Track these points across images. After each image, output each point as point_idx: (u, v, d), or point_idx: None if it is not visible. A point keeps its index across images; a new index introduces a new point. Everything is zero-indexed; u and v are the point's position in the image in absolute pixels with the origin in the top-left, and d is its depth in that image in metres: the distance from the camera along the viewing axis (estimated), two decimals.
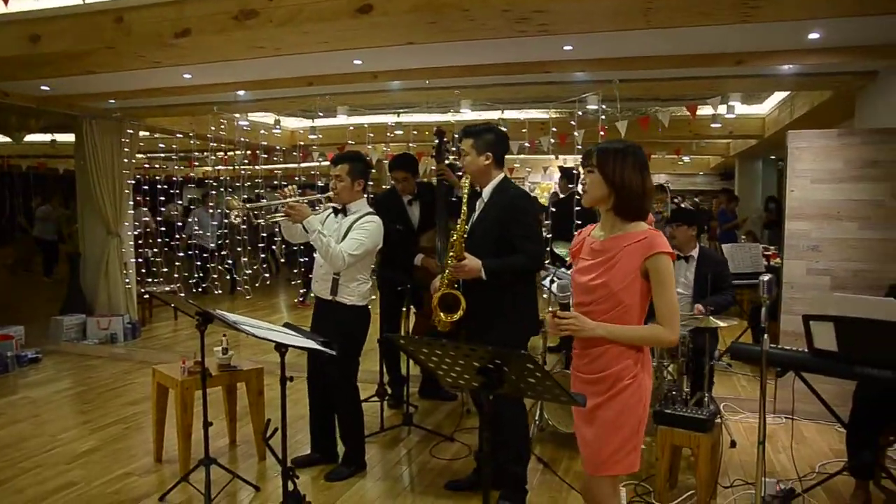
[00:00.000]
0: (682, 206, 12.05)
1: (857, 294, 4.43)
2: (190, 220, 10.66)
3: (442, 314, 3.55)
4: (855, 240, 5.07)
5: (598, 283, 2.41)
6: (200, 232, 10.28)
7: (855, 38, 4.85)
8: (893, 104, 5.49)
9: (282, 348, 3.12)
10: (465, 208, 3.49)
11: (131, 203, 8.07)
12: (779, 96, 8.60)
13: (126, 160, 7.86)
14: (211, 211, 10.33)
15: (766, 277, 3.11)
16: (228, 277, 10.88)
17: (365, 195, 4.09)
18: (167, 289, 8.61)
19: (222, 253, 9.51)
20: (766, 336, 3.19)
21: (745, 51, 5.16)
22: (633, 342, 2.39)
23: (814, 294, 5.08)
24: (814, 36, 4.70)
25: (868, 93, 6.07)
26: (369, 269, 4.03)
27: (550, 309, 2.50)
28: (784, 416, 5.10)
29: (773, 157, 13.70)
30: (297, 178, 9.66)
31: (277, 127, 8.52)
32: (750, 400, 5.48)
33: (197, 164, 11.15)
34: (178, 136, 8.55)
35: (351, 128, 8.45)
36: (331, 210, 4.06)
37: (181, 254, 8.69)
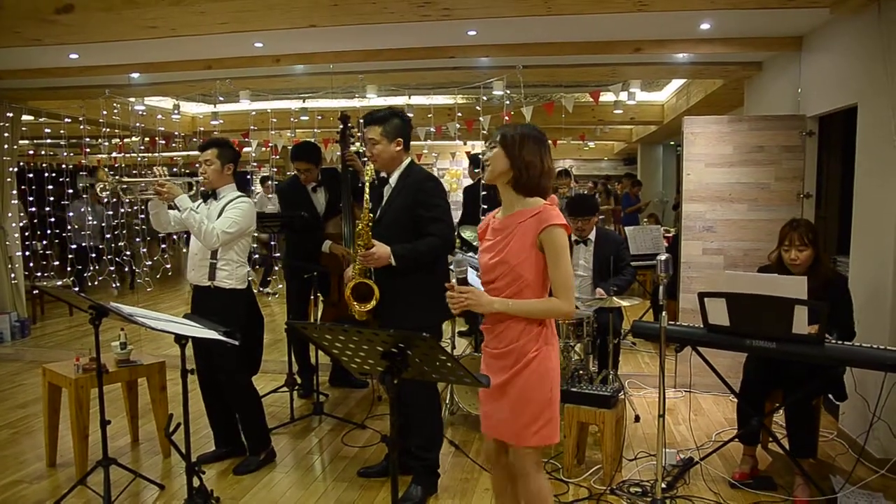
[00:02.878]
0: (583, 192, 12.34)
1: (746, 272, 4.69)
2: (70, 213, 10.05)
3: (356, 304, 3.54)
4: (744, 220, 5.38)
5: (498, 261, 2.48)
6: (75, 227, 9.68)
7: (741, 30, 5.13)
8: (776, 93, 5.85)
9: (181, 340, 3.03)
10: (367, 196, 3.47)
11: (15, 192, 7.58)
12: (676, 84, 8.98)
13: (7, 146, 7.36)
14: (98, 200, 9.80)
15: (662, 257, 3.24)
16: (127, 270, 10.42)
17: (234, 180, 4.06)
18: (59, 283, 8.16)
19: (120, 244, 9.08)
20: (664, 314, 3.34)
21: (643, 39, 5.36)
22: (530, 315, 2.46)
23: (709, 273, 5.35)
24: (705, 26, 4.93)
25: (754, 82, 6.43)
26: (246, 252, 3.99)
27: (448, 283, 2.55)
28: (684, 390, 5.37)
29: (672, 142, 14.31)
30: (197, 165, 9.34)
31: (176, 112, 8.20)
32: (653, 376, 5.73)
33: (89, 150, 10.59)
34: (66, 120, 8.08)
35: (253, 113, 8.24)
36: (200, 200, 4.01)
37: (73, 245, 8.25)
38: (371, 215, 3.44)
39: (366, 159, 3.63)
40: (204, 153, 3.93)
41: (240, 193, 4.00)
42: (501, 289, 2.48)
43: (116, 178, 3.80)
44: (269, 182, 10.61)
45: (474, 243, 5.49)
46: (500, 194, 2.58)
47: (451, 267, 3.74)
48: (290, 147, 6.90)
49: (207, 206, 3.94)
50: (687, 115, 6.18)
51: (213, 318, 3.43)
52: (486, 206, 6.02)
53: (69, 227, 9.28)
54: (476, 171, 7.49)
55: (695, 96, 8.20)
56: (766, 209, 5.33)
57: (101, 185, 3.72)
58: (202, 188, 4.00)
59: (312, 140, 7.60)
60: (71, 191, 9.55)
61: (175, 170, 9.67)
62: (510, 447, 2.58)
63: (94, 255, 9.49)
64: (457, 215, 5.47)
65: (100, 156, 11.81)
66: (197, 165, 4.00)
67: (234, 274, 3.89)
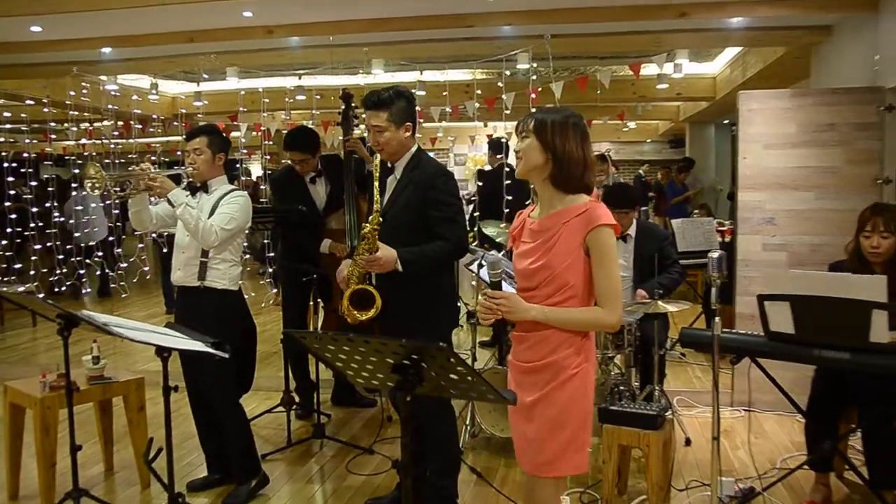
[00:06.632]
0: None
1: (814, 270, 4.65)
2: (78, 208, 10.11)
3: (356, 312, 3.56)
4: (811, 211, 5.33)
5: (539, 266, 2.47)
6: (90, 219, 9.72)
7: None
8: (849, 61, 5.78)
9: (164, 353, 3.05)
10: (377, 195, 3.47)
11: None
12: (730, 53, 8.91)
13: None
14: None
15: (715, 254, 3.23)
16: (99, 274, 10.50)
17: (225, 171, 4.13)
18: (21, 289, 8.23)
19: (91, 244, 9.15)
20: (717, 319, 3.32)
21: (689, 1, 5.32)
22: (571, 326, 2.46)
23: (769, 272, 5.31)
24: None
25: (823, 49, 6.36)
26: (239, 251, 4.08)
27: (484, 291, 2.54)
28: (742, 409, 5.33)
29: (726, 121, 14.20)
30: (178, 153, 9.39)
31: (154, 92, 8.25)
32: (705, 392, 5.68)
33: (55, 137, 10.70)
34: (28, 102, 8.16)
35: (243, 93, 8.27)
36: (188, 193, 4.05)
37: (37, 246, 8.30)
38: (380, 218, 3.42)
39: (371, 144, 3.63)
40: (192, 142, 3.99)
41: (233, 186, 4.08)
42: (542, 297, 2.48)
43: (108, 174, 3.85)
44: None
45: (497, 240, 5.49)
46: (537, 191, 2.59)
47: (483, 267, 3.73)
48: (284, 131, 6.92)
49: (197, 200, 4.00)
50: (743, 90, 6.14)
51: (206, 325, 3.48)
52: (510, 198, 6.01)
53: (69, 223, 9.36)
54: (499, 156, 7.49)
55: (752, 67, 8.14)
56: (837, 197, 5.28)
57: (91, 183, 3.76)
58: (189, 180, 4.04)
59: (310, 124, 7.61)
60: (75, 185, 9.65)
61: (164, 159, 9.71)
62: (531, 477, 2.57)
63: (60, 256, 9.54)
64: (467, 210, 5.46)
65: (66, 142, 11.90)
66: (179, 153, 4.05)
67: (227, 274, 3.96)
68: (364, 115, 3.59)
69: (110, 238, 9.94)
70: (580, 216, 2.44)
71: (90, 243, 9.03)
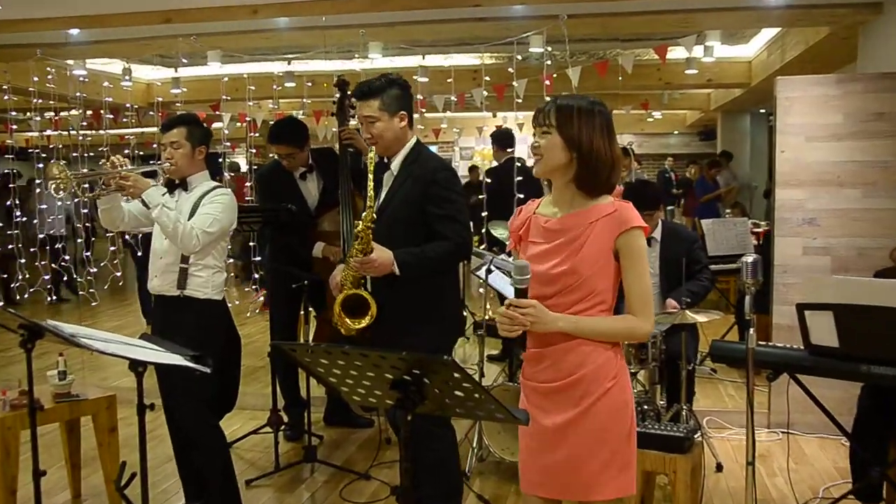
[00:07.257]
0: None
1: (861, 276, 4.64)
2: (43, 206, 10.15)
3: (348, 320, 3.59)
4: (858, 210, 5.33)
5: (564, 270, 2.47)
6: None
7: None
8: None
9: (138, 367, 3.06)
10: (371, 192, 3.48)
11: None
12: (767, 34, 8.90)
13: None
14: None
15: (749, 259, 3.24)
16: (65, 279, 10.52)
17: (206, 166, 4.13)
18: None
19: (56, 247, 9.16)
20: (752, 331, 3.33)
21: None
22: (602, 337, 2.47)
23: (810, 278, 5.30)
24: None
25: (872, 29, 6.34)
26: (224, 256, 4.09)
27: (508, 300, 2.50)
28: (780, 431, 5.33)
29: (762, 110, 14.20)
30: (154, 146, 9.41)
31: (127, 78, 8.27)
32: (739, 412, 5.66)
33: (16, 127, 10.73)
34: None
35: (226, 79, 8.30)
36: (164, 191, 4.06)
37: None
38: (374, 215, 3.45)
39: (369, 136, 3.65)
40: (169, 134, 3.98)
41: (216, 184, 4.08)
42: (565, 305, 2.48)
43: (73, 173, 3.85)
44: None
45: (507, 243, 5.50)
46: (554, 189, 2.58)
47: (492, 273, 3.72)
48: (272, 122, 6.93)
49: (175, 199, 4.00)
50: (781, 75, 6.13)
51: (186, 337, 3.48)
52: (521, 196, 6.00)
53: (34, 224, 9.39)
54: (509, 150, 7.51)
55: (792, 50, 8.14)
56: (888, 195, 5.28)
57: (55, 184, 3.76)
58: (166, 176, 4.05)
59: (300, 114, 7.63)
60: (39, 181, 9.69)
61: (139, 153, 9.72)
62: None
63: (22, 260, 9.57)
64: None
65: (30, 133, 11.93)
66: (155, 146, 4.06)
67: (210, 282, 3.96)
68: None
69: (78, 240, 9.96)
70: (609, 217, 2.45)
71: (47, 237, 9.08)
